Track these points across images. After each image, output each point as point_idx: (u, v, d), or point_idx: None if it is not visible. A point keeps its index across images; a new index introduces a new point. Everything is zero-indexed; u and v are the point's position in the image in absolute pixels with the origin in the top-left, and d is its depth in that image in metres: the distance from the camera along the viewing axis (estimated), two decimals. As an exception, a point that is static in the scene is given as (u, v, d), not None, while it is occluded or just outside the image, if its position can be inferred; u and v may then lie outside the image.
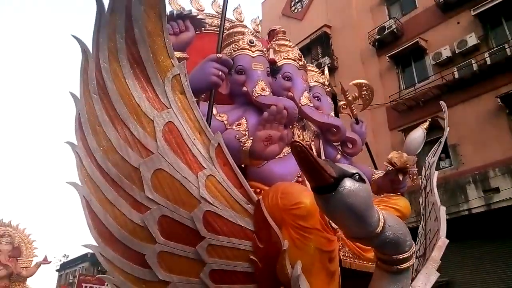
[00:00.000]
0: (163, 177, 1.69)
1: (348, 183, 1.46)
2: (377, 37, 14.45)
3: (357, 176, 1.50)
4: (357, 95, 2.97)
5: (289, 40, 2.80)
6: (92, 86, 1.79)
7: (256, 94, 2.37)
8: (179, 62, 1.79)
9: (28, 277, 10.96)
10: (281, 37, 2.82)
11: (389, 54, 14.17)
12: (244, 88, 2.43)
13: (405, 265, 1.71)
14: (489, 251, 10.49)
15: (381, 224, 1.59)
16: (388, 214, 1.67)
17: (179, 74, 1.77)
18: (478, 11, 12.30)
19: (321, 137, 2.59)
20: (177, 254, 1.67)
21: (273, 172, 2.24)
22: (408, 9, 14.58)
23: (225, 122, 2.32)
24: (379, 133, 13.25)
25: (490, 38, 12.31)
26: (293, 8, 18.49)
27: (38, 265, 10.61)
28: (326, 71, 3.12)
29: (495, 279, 10.36)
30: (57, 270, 32.61)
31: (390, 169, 2.33)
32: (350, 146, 2.64)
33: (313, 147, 2.48)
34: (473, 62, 12.02)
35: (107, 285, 9.30)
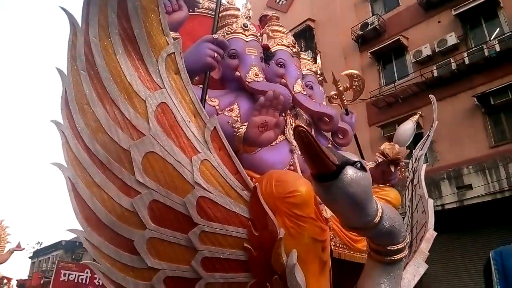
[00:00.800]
0: (155, 161, 1.61)
1: (350, 171, 1.43)
2: (360, 33, 14.56)
3: (359, 165, 1.47)
4: (348, 85, 2.94)
5: (282, 26, 2.74)
6: (81, 62, 1.69)
7: (250, 80, 2.31)
8: (174, 41, 1.70)
9: (0, 264, 10.67)
10: (275, 23, 2.75)
11: (371, 50, 14.31)
12: (237, 73, 2.36)
13: (398, 256, 1.69)
14: (460, 245, 10.81)
15: (379, 214, 1.56)
16: (385, 204, 1.65)
17: (174, 53, 1.69)
18: (459, 11, 12.54)
19: (313, 126, 2.54)
20: (168, 241, 1.60)
21: (264, 160, 2.19)
22: (391, 7, 14.74)
23: (217, 107, 2.25)
24: (359, 128, 13.24)
25: (469, 38, 12.57)
26: (278, 0, 18.39)
27: (11, 252, 10.34)
28: (319, 60, 3.08)
29: (465, 270, 10.71)
30: (30, 257, 31.85)
31: (381, 160, 2.31)
32: (341, 136, 2.61)
33: (306, 136, 2.44)
34: (452, 61, 12.27)
35: (87, 272, 9.12)
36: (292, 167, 2.24)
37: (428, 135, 2.99)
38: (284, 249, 1.57)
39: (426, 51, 12.93)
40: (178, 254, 1.60)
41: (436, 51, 12.77)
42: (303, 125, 2.47)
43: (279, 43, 2.61)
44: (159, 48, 1.69)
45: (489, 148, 11.24)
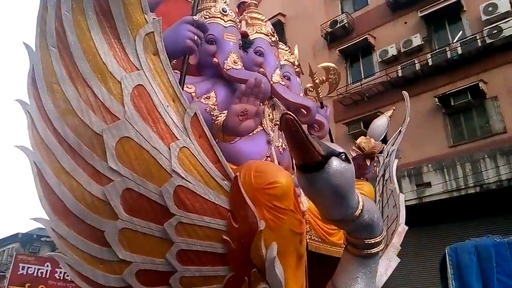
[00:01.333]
0: (130, 146, 1.51)
1: (335, 162, 1.39)
2: (329, 30, 14.72)
3: (344, 156, 1.44)
4: (324, 78, 2.91)
5: (261, 14, 2.67)
6: (51, 38, 1.55)
7: (228, 67, 2.23)
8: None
9: None
10: (253, 10, 2.68)
11: (339, 48, 14.50)
12: (215, 60, 2.27)
13: (375, 250, 1.68)
14: (418, 241, 11.17)
15: (360, 206, 1.54)
16: (365, 197, 1.63)
17: (153, 32, 1.59)
18: (424, 13, 12.90)
19: (289, 118, 2.49)
20: (142, 232, 1.51)
21: (241, 151, 2.12)
22: (360, 5, 14.98)
23: (193, 94, 2.16)
24: (325, 125, 13.54)
25: (434, 40, 12.97)
26: (249, -8, 18.26)
27: None
28: (296, 51, 3.04)
29: (422, 265, 11.12)
30: None
31: (357, 154, 2.30)
32: (317, 129, 2.58)
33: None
34: (416, 62, 12.62)
35: (47, 265, 8.73)
36: (269, 158, 2.19)
37: (400, 131, 3.02)
38: (264, 242, 1.52)
39: (392, 51, 13.23)
40: (152, 246, 1.52)
41: (402, 51, 13.09)
42: (279, 116, 2.43)
43: (258, 31, 2.54)
44: (137, 27, 1.58)
45: (448, 147, 11.68)
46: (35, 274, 9.00)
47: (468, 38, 12.03)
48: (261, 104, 1.95)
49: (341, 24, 14.38)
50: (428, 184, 11.37)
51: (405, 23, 13.50)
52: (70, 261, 1.51)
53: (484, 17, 11.52)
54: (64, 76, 1.54)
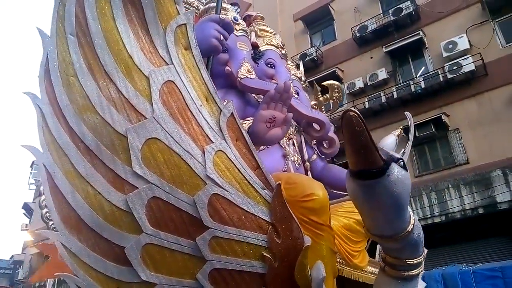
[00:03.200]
0: (158, 149, 1.32)
1: (396, 169, 1.27)
2: (299, 62, 14.99)
3: (402, 163, 1.32)
4: (328, 96, 2.84)
5: (269, 27, 2.58)
6: (70, 25, 1.36)
7: (242, 76, 2.10)
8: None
9: None
10: (260, 23, 2.59)
11: (308, 80, 14.71)
12: (228, 68, 2.14)
13: (416, 271, 1.56)
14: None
15: (412, 221, 1.42)
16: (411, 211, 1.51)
17: (185, 24, 1.43)
18: (389, 48, 13.44)
19: (301, 133, 2.38)
20: (169, 248, 1.30)
21: None
22: (328, 40, 15.46)
23: (205, 103, 2.00)
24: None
25: (398, 74, 13.48)
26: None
27: None
28: (301, 67, 2.96)
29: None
30: None
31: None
32: (327, 146, 2.47)
33: (295, 143, 2.26)
34: (382, 94, 13.01)
35: None
36: (285, 174, 2.04)
37: (404, 152, 2.96)
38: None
39: (359, 83, 13.62)
40: (181, 265, 1.31)
41: (368, 84, 13.49)
42: (292, 130, 2.30)
43: (268, 43, 2.44)
44: (168, 17, 1.42)
45: (414, 177, 11.93)
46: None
47: (430, 73, 12.58)
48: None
49: (310, 57, 14.70)
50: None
51: (371, 57, 13.98)
52: (82, 283, 1.27)
53: (445, 54, 12.11)
54: (83, 68, 1.35)
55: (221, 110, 1.40)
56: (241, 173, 1.37)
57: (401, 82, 13.22)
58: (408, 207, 1.40)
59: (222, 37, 1.79)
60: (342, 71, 14.36)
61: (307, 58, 14.68)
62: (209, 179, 1.32)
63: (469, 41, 11.83)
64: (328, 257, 1.47)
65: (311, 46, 15.42)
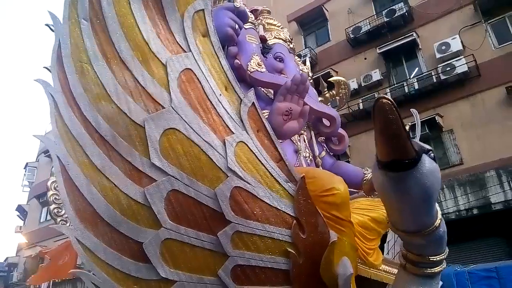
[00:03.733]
0: (177, 140, 1.26)
1: (427, 160, 1.22)
2: (306, 58, 14.99)
3: (432, 154, 1.27)
4: (334, 92, 2.79)
5: (276, 21, 2.52)
6: (83, 9, 1.30)
7: (252, 69, 2.04)
8: None
9: None
10: (267, 16, 2.54)
11: (303, 80, 14.73)
12: (237, 61, 2.07)
13: (438, 269, 1.51)
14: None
15: (439, 216, 1.37)
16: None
17: (203, 10, 1.38)
18: (383, 50, 13.46)
19: (311, 129, 2.32)
20: (189, 243, 1.24)
21: None
22: (322, 41, 15.45)
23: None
24: (288, 154, 13.56)
25: (392, 75, 13.51)
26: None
27: None
28: (308, 63, 2.91)
29: None
30: None
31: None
32: (337, 142, 2.41)
33: (305, 138, 2.21)
34: (376, 95, 13.02)
35: None
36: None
37: None
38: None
39: (353, 85, 13.60)
40: (201, 261, 1.25)
41: (362, 85, 13.49)
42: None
43: (277, 36, 2.38)
44: (185, 3, 1.37)
45: (408, 178, 11.95)
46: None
47: (424, 74, 12.62)
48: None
49: (304, 59, 14.69)
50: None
51: (365, 59, 14.00)
52: (97, 280, 1.20)
53: (438, 55, 12.16)
54: (97, 55, 1.28)
55: (241, 100, 1.34)
56: (264, 166, 1.31)
57: (395, 83, 13.25)
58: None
59: (237, 26, 1.73)
60: (336, 72, 14.35)
61: (301, 59, 14.65)
62: (230, 172, 1.26)
63: (462, 42, 11.90)
64: (350, 254, 1.42)
65: (305, 47, 15.39)
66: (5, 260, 21.37)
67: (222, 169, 1.26)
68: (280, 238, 1.27)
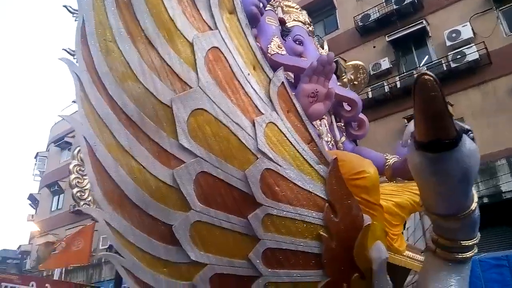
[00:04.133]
0: (205, 121, 1.22)
1: (468, 141, 1.17)
2: (324, 41, 14.87)
3: (471, 134, 1.22)
4: (353, 77, 2.74)
5: (295, 3, 2.47)
6: (107, -15, 1.26)
7: (272, 52, 1.99)
8: None
9: None
10: (285, -2, 2.48)
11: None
12: (257, 43, 2.03)
13: (470, 254, 1.47)
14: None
15: (475, 199, 1.33)
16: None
17: (229, -15, 1.33)
18: (392, 38, 13.28)
19: (331, 113, 2.27)
20: (219, 226, 1.21)
21: None
22: (330, 29, 15.27)
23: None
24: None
25: (401, 63, 13.35)
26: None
27: None
28: (326, 46, 2.85)
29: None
30: None
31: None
32: (357, 127, 2.37)
33: (326, 123, 2.16)
34: (385, 84, 12.89)
35: (32, 285, 7.77)
36: (320, 154, 1.94)
37: None
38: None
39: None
40: (231, 244, 1.22)
41: (371, 74, 13.33)
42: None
43: (296, 19, 2.33)
44: (211, -21, 1.32)
45: (417, 167, 11.87)
46: (19, 294, 7.96)
47: (434, 62, 12.46)
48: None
49: (322, 42, 14.56)
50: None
51: (374, 47, 13.83)
52: (127, 263, 1.18)
53: (448, 43, 11.98)
54: (122, 33, 1.24)
55: (270, 79, 1.30)
56: (294, 147, 1.27)
57: (404, 71, 13.11)
58: None
59: (261, 5, 1.69)
60: (345, 60, 14.21)
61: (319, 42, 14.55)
62: (260, 153, 1.22)
63: (472, 29, 11.71)
64: (382, 238, 1.38)
65: (314, 36, 15.27)
66: (18, 248, 21.70)
67: (251, 151, 1.22)
68: (312, 221, 1.24)
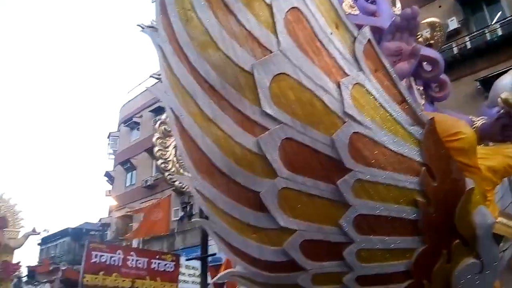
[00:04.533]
0: (288, 86, 1.18)
1: None
2: None
3: None
4: (429, 36, 2.55)
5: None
6: (183, -49, 1.24)
7: (345, 12, 1.88)
8: None
9: (16, 248, 10.39)
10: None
11: (371, 34, 14.01)
12: None
13: None
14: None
15: None
16: None
17: None
18: (459, -5, 12.30)
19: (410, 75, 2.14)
20: (307, 193, 1.18)
21: None
22: (391, -11, 14.46)
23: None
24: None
25: (471, 22, 12.37)
26: None
27: (26, 236, 10.61)
28: (399, 4, 2.67)
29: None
30: (39, 244, 30.81)
31: (503, 111, 1.93)
32: (437, 89, 2.21)
33: (404, 84, 2.03)
34: (454, 45, 12.04)
35: (118, 253, 8.50)
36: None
37: None
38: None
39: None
40: (321, 211, 1.19)
41: (438, 35, 12.53)
42: None
43: (366, -24, 2.18)
44: None
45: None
46: (107, 262, 8.63)
47: (508, 18, 11.43)
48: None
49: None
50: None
51: (440, 6, 12.89)
52: (218, 229, 1.20)
53: (526, -5, 10.91)
54: (200, 0, 1.22)
55: (355, 38, 1.23)
56: (385, 108, 1.20)
57: (474, 31, 12.15)
58: None
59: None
60: (413, 21, 13.46)
61: None
62: (347, 116, 1.17)
63: (555, -23, 10.53)
64: (481, 203, 1.28)
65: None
66: (99, 221, 23.58)
67: (338, 114, 1.17)
68: (407, 186, 1.17)
